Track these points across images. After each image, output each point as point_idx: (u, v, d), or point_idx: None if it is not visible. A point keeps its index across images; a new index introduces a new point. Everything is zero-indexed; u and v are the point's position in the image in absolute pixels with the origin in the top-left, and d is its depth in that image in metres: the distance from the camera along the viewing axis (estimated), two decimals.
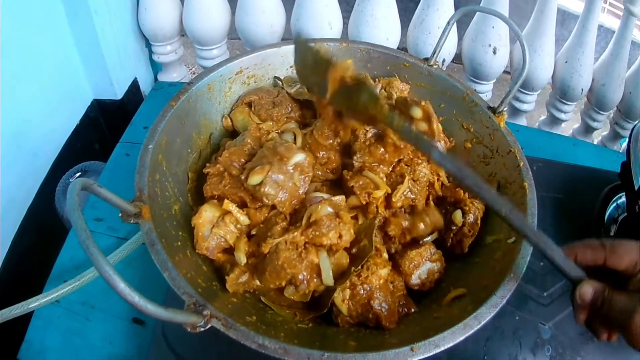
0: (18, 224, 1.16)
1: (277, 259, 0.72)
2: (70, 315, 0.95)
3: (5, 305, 0.85)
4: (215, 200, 0.81)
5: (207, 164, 0.86)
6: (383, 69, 1.06)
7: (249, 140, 0.87)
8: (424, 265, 0.82)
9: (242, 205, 0.81)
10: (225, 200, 0.79)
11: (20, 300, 0.86)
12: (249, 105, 0.98)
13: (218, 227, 0.77)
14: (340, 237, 0.75)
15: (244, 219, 0.80)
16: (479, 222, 0.86)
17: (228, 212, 0.79)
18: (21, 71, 1.10)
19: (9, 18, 1.02)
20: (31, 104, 1.16)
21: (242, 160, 0.84)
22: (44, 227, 1.21)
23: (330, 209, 0.77)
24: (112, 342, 0.91)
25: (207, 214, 0.78)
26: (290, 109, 0.97)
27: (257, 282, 0.75)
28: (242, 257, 0.76)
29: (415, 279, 0.82)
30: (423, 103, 0.88)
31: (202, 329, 0.58)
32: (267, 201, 0.78)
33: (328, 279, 0.74)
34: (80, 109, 1.37)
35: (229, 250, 0.79)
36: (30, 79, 1.15)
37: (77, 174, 1.25)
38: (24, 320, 0.92)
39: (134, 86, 1.50)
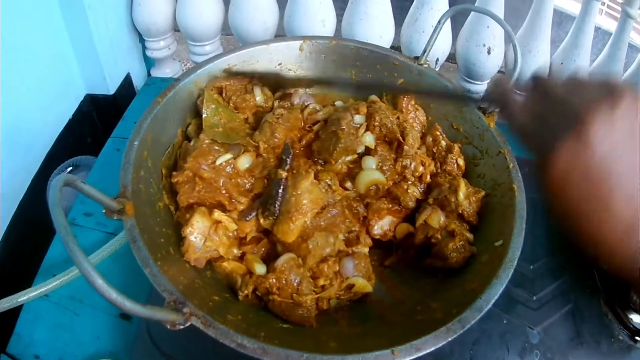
0: (9, 218, 1.16)
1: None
2: (59, 309, 0.94)
3: None
4: (204, 208, 0.80)
5: (174, 172, 0.84)
6: (373, 68, 1.06)
7: (203, 137, 0.86)
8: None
9: (220, 209, 0.81)
10: (217, 212, 0.78)
11: (10, 293, 0.86)
12: (220, 91, 0.97)
13: (211, 240, 0.76)
14: None
15: (233, 226, 0.79)
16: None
17: (219, 222, 0.78)
18: (14, 65, 1.09)
19: (2, 11, 1.02)
20: (24, 99, 1.16)
21: (210, 160, 0.83)
22: (35, 222, 1.20)
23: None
24: (99, 337, 0.91)
25: (198, 224, 0.77)
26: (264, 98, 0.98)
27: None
28: (261, 268, 0.77)
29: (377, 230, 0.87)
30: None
31: (182, 327, 0.58)
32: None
33: None
34: (73, 104, 1.37)
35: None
36: (24, 73, 1.14)
37: (68, 169, 1.25)
38: (14, 313, 0.92)
39: (127, 81, 1.49)
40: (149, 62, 1.62)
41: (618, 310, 0.94)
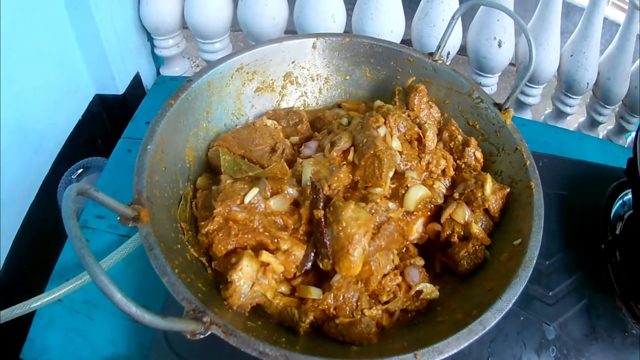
0: (20, 221, 1.15)
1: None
2: (72, 314, 0.94)
3: (7, 305, 0.84)
4: (250, 251, 0.73)
5: (202, 223, 0.78)
6: (387, 64, 1.04)
7: (224, 178, 0.83)
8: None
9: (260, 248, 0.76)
10: (265, 253, 0.73)
11: (22, 299, 0.86)
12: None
13: (259, 284, 0.71)
14: None
15: (280, 268, 0.74)
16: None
17: (267, 265, 0.73)
18: (22, 66, 1.09)
19: (9, 11, 1.01)
20: (33, 99, 1.16)
21: (238, 199, 0.78)
22: (46, 225, 1.20)
23: None
24: (114, 341, 0.91)
25: (247, 269, 0.70)
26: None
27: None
28: (317, 291, 0.74)
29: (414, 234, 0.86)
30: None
31: (202, 336, 0.58)
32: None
33: None
34: (82, 104, 1.36)
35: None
36: (32, 73, 1.14)
37: (79, 171, 1.24)
38: (27, 319, 0.92)
39: (136, 81, 1.49)
40: (158, 61, 1.62)
41: (632, 305, 0.93)
